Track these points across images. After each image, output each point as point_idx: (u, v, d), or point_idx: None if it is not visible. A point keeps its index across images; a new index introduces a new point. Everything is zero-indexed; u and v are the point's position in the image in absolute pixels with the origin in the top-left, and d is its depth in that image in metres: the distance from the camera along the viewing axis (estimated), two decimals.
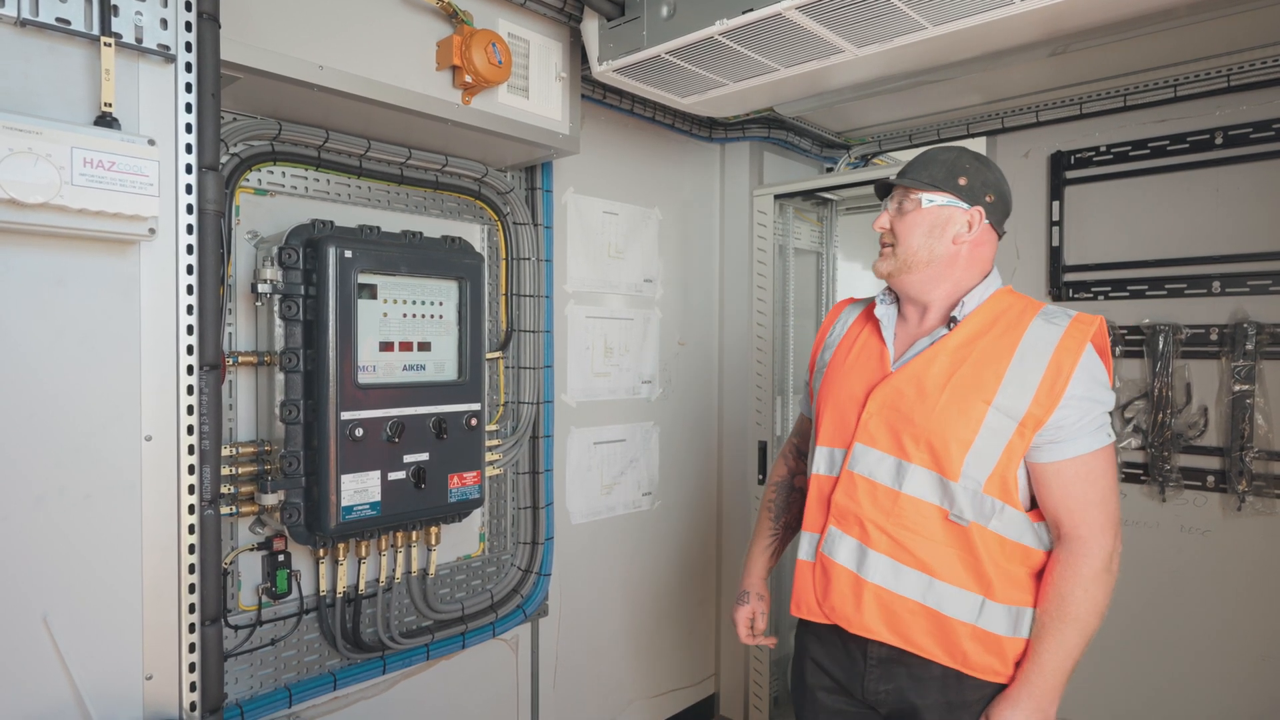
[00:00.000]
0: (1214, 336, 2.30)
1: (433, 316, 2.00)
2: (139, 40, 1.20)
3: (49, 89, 1.14)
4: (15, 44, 1.11)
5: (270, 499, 1.77)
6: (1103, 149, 2.52)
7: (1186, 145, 2.36)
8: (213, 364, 1.29)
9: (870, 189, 2.89)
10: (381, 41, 1.76)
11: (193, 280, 1.26)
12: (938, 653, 1.36)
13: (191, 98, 1.26)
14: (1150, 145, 2.43)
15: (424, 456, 1.94)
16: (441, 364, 2.02)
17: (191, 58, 1.26)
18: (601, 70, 2.07)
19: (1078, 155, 2.57)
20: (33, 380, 1.13)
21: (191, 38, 1.26)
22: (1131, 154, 2.47)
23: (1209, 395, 2.33)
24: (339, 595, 1.98)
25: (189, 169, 1.25)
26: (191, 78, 1.26)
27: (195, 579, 1.27)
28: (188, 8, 1.25)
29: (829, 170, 3.39)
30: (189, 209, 1.25)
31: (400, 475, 1.89)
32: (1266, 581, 2.23)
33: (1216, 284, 2.30)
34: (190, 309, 1.26)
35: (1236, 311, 2.28)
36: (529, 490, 2.45)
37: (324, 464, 1.77)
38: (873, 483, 1.41)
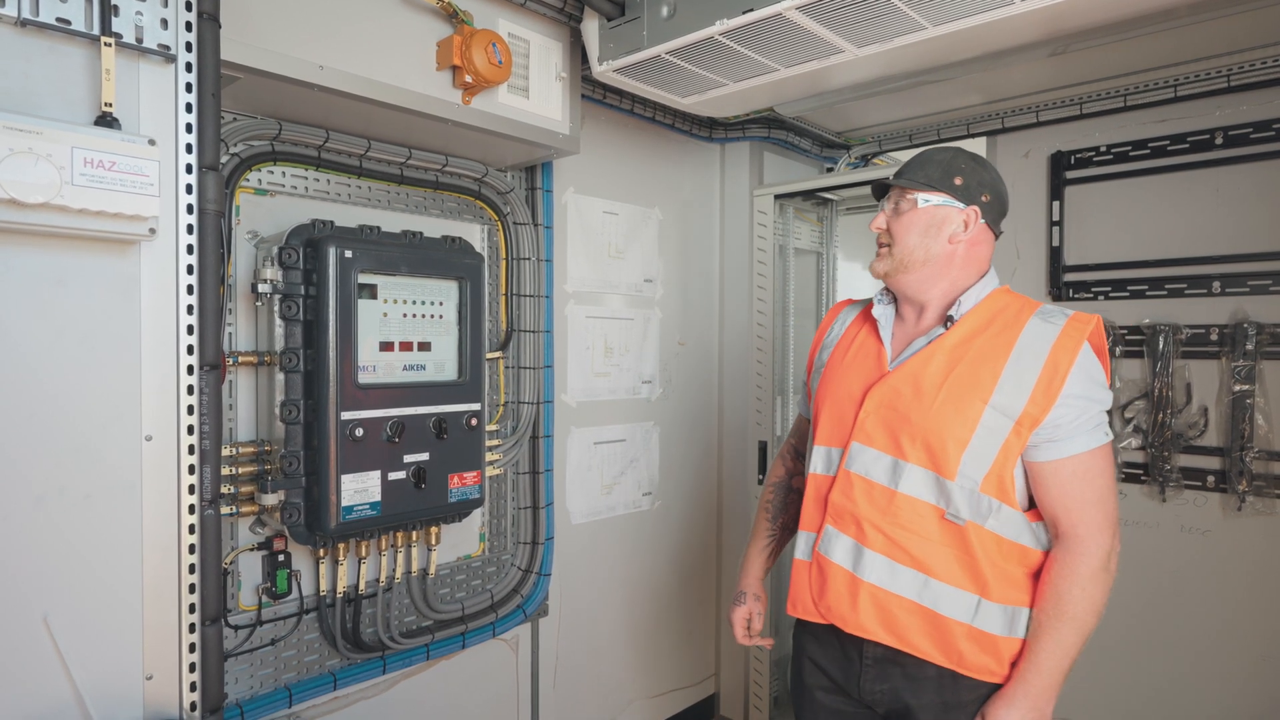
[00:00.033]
0: (1214, 336, 2.30)
1: (433, 316, 2.00)
2: (139, 40, 1.20)
3: (49, 89, 1.14)
4: (15, 44, 1.12)
5: (270, 499, 1.77)
6: (1103, 149, 2.52)
7: (1187, 145, 2.36)
8: (213, 364, 1.29)
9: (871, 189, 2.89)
10: (382, 41, 1.77)
11: (193, 280, 1.26)
12: (933, 652, 1.36)
13: (192, 98, 1.26)
14: (1150, 145, 2.43)
15: (424, 456, 1.94)
16: (441, 364, 2.02)
17: (192, 58, 1.26)
18: (601, 70, 2.07)
19: (1078, 155, 2.56)
20: (33, 380, 1.14)
21: (192, 38, 1.26)
22: (1132, 154, 2.46)
23: (1209, 395, 2.33)
24: (339, 595, 1.98)
25: (189, 169, 1.26)
26: (192, 78, 1.26)
27: (195, 579, 1.28)
28: (188, 8, 1.26)
29: (829, 170, 3.39)
30: (189, 209, 1.26)
31: (400, 475, 1.90)
32: (1266, 582, 2.23)
33: (1216, 284, 2.30)
34: (190, 309, 1.26)
35: (1236, 311, 2.27)
36: (529, 490, 2.45)
37: (324, 464, 1.77)
38: (869, 482, 1.41)
